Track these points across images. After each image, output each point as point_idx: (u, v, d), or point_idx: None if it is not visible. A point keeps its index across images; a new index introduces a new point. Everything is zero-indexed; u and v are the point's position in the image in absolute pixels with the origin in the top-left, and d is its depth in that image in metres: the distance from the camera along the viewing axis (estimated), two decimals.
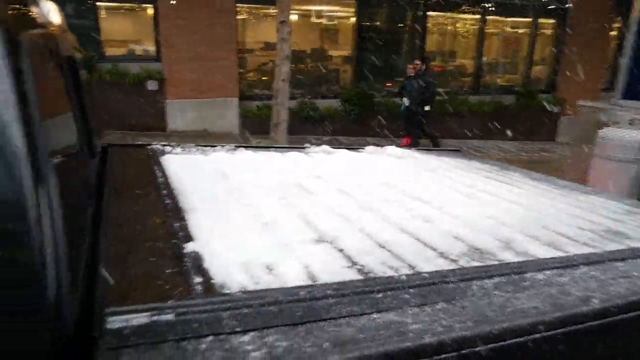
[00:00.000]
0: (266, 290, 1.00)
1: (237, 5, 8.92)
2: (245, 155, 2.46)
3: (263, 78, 10.25)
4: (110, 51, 8.51)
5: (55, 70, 1.23)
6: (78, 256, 0.96)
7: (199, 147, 2.52)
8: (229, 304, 0.94)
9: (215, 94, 8.62)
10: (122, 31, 8.98)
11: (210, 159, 2.30)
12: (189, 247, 1.19)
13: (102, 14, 8.49)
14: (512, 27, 12.19)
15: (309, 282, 1.08)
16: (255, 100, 9.44)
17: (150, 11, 8.69)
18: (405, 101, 8.91)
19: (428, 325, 0.94)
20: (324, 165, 2.42)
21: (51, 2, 1.39)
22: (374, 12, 10.75)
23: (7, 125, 0.73)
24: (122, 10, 8.94)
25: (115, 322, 0.85)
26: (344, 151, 2.81)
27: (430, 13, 10.88)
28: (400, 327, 0.93)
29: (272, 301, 0.96)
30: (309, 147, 2.84)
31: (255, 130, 8.72)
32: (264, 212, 1.56)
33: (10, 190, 0.71)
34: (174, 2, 7.72)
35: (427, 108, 8.88)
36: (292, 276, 1.09)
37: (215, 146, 2.63)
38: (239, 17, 9.18)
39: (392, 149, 2.97)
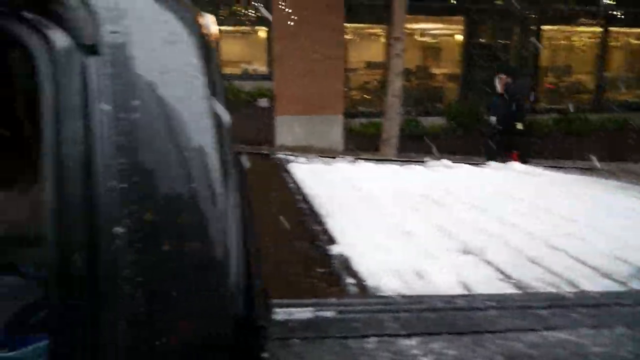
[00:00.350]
0: (424, 296, 0.97)
1: (345, 25, 9.12)
2: (367, 167, 2.46)
3: (366, 96, 10.34)
4: (226, 70, 9.11)
5: (220, 76, 1.32)
6: (247, 249, 0.99)
7: (321, 158, 2.57)
8: (388, 306, 0.91)
9: (321, 110, 8.83)
10: (237, 52, 9.58)
11: (334, 168, 2.33)
12: (335, 249, 1.20)
13: (221, 36, 9.15)
14: None
15: (465, 292, 1.02)
16: (359, 117, 9.52)
17: (264, 33, 9.18)
18: (492, 119, 8.34)
19: (612, 349, 0.84)
20: (449, 179, 2.34)
21: (210, 15, 1.49)
22: (482, 28, 10.40)
23: (201, 118, 0.78)
24: (239, 34, 9.55)
25: (280, 314, 0.86)
26: (466, 166, 2.71)
27: (544, 27, 10.28)
28: (579, 349, 0.84)
29: (431, 307, 0.92)
30: (428, 161, 2.77)
31: (358, 147, 8.77)
32: (398, 221, 1.53)
33: (203, 184, 0.76)
34: (292, 23, 8.07)
35: (519, 126, 8.14)
36: (445, 284, 1.04)
37: (334, 157, 2.67)
38: (345, 36, 9.37)
39: (517, 165, 2.81)
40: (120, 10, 0.77)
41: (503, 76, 8.34)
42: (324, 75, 8.69)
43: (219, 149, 0.79)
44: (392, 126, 5.98)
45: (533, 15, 10.16)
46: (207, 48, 0.88)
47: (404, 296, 0.96)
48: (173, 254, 0.74)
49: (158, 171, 0.73)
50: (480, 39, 10.35)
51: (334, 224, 1.42)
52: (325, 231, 1.34)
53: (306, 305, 0.88)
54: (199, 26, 0.88)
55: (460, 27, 10.00)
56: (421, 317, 0.90)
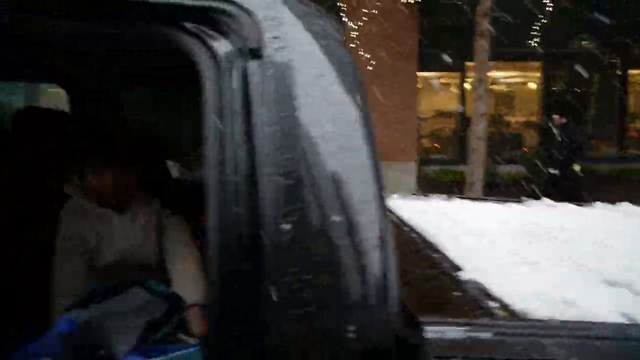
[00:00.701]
0: (587, 322, 0.87)
1: (418, 73, 9.19)
2: (465, 204, 2.37)
3: (438, 144, 10.25)
4: None
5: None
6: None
7: (414, 194, 2.52)
8: (549, 331, 0.83)
9: (395, 157, 8.78)
10: None
11: (431, 204, 2.27)
12: (463, 275, 1.13)
13: None
14: None
15: (626, 322, 0.91)
16: (432, 164, 9.39)
17: None
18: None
19: None
20: (555, 216, 2.19)
21: None
22: (562, 74, 10.09)
23: (356, 121, 0.78)
24: None
25: (431, 332, 0.80)
26: (571, 205, 2.53)
27: (631, 71, 9.80)
28: None
29: (597, 335, 0.83)
30: (526, 200, 2.63)
31: (432, 194, 8.59)
32: (518, 252, 1.43)
33: (362, 190, 0.75)
34: (370, 68, 8.23)
35: (576, 167, 7.62)
36: (603, 313, 0.93)
37: (427, 195, 2.62)
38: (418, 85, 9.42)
39: (628, 206, 2.59)
40: (278, 19, 0.80)
41: (557, 116, 7.89)
42: (397, 122, 8.71)
43: (373, 156, 0.78)
44: (476, 170, 5.82)
45: (616, 60, 9.75)
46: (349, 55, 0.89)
47: (563, 321, 0.87)
48: (333, 256, 0.71)
49: (318, 167, 0.72)
50: (561, 85, 10.03)
51: (451, 253, 1.35)
52: (447, 259, 1.27)
53: (458, 325, 0.82)
54: (342, 33, 0.89)
55: (538, 73, 9.77)
56: (589, 344, 0.80)
